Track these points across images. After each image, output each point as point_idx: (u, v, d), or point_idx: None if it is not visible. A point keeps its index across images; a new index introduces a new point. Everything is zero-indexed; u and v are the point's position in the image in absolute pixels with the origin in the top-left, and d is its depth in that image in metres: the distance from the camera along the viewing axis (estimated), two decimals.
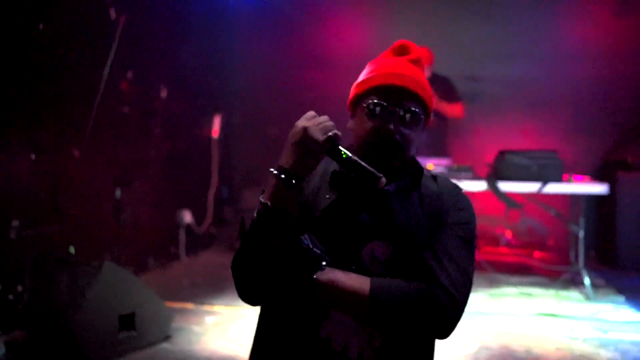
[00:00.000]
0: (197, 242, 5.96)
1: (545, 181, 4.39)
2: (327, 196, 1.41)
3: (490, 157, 4.91)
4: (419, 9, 6.57)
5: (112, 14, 4.44)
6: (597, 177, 5.36)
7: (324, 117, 1.32)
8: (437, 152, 5.34)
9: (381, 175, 1.32)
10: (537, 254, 5.98)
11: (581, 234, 4.51)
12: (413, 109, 1.40)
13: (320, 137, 1.28)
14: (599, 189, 4.42)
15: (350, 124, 1.52)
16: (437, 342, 1.46)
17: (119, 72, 4.54)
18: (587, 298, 4.35)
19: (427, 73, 5.31)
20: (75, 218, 4.12)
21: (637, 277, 5.07)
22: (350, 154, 1.32)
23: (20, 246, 3.54)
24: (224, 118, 6.47)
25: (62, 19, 3.95)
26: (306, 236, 1.32)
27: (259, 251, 1.29)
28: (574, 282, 4.72)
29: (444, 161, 5.15)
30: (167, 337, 3.49)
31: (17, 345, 3.16)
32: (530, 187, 4.44)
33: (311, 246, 1.31)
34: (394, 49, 1.53)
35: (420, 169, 1.48)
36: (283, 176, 1.27)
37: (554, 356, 3.30)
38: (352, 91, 1.51)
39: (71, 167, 4.08)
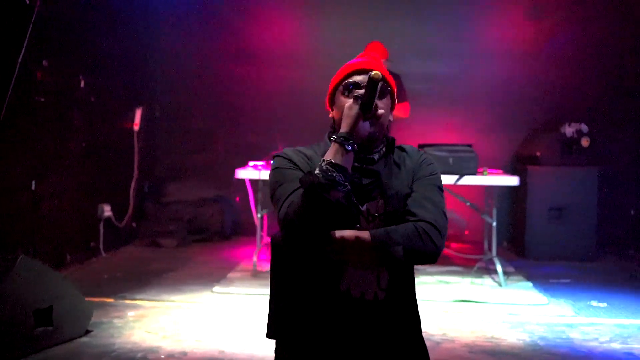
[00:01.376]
0: (118, 237, 5.82)
1: (461, 174, 4.60)
2: None
3: None
4: (343, 5, 6.69)
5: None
6: (510, 171, 5.67)
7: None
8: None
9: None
10: (454, 245, 6.23)
11: (494, 224, 4.75)
12: (382, 83, 1.68)
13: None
14: (511, 180, 4.68)
15: (332, 114, 1.82)
16: None
17: (35, 60, 4.37)
18: (499, 285, 4.59)
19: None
20: None
21: (544, 265, 5.40)
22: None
23: None
24: (146, 111, 6.34)
25: None
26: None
27: (321, 201, 1.51)
28: (487, 270, 4.98)
29: None
30: (87, 332, 3.41)
31: None
32: (447, 179, 4.64)
33: (356, 201, 1.64)
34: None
35: (393, 139, 1.81)
36: (342, 138, 1.58)
37: (468, 338, 3.48)
38: (329, 88, 1.83)
39: None
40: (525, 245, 5.71)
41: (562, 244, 5.62)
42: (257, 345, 3.28)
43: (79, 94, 5.14)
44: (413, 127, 6.36)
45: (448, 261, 5.51)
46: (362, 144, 1.66)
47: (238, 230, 6.62)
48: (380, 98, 1.71)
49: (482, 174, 4.67)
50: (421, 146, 4.83)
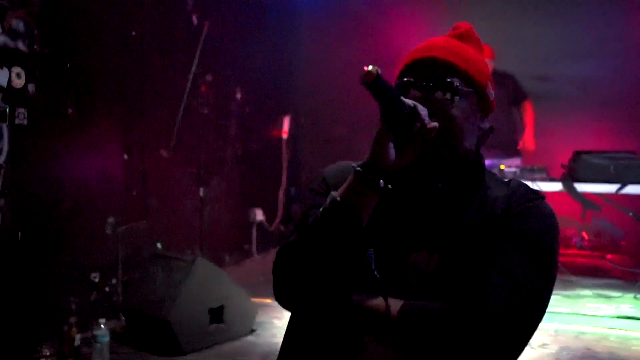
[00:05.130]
0: (268, 240, 6.12)
1: (624, 182, 4.32)
2: None
3: (560, 157, 4.85)
4: (486, 7, 6.54)
5: (194, 20, 4.64)
6: None
7: None
8: (507, 152, 5.29)
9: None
10: (610, 256, 5.86)
11: None
12: (449, 80, 1.14)
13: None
14: None
15: None
16: None
17: (200, 75, 4.74)
18: None
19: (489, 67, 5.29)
20: (161, 216, 4.34)
21: None
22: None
23: (114, 241, 3.76)
24: (292, 118, 6.61)
25: (151, 25, 4.16)
26: (371, 252, 1.11)
27: (316, 250, 1.06)
28: None
29: (516, 161, 5.13)
30: (252, 331, 3.64)
31: (116, 333, 3.37)
32: (607, 188, 4.38)
33: (373, 266, 1.10)
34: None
35: (482, 166, 1.22)
36: (364, 169, 1.05)
37: None
38: None
39: (158, 166, 4.30)
40: None
41: None
42: None
43: (235, 105, 5.49)
44: (562, 131, 6.08)
45: (605, 273, 5.20)
46: (431, 167, 1.13)
47: None
48: (449, 93, 1.14)
49: None
50: (578, 153, 4.60)
